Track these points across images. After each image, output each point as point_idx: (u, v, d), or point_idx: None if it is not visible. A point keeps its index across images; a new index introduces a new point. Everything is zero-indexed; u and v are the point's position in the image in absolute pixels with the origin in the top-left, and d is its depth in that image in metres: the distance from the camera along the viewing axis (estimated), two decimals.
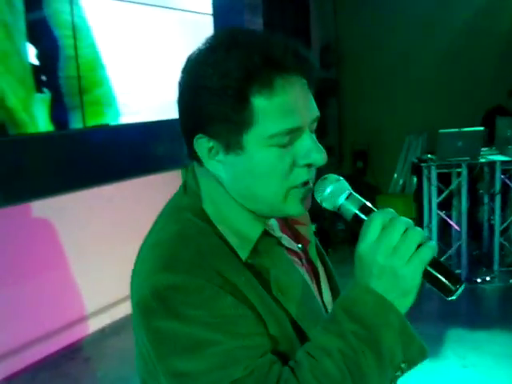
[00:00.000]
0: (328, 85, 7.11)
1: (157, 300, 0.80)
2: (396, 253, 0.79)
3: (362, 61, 7.17)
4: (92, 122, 3.85)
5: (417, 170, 5.49)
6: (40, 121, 3.44)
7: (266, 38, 0.85)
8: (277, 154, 0.84)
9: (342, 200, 0.87)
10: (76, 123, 3.72)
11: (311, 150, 0.86)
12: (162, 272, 0.81)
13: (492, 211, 4.92)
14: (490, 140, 5.06)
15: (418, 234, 0.79)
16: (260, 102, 0.82)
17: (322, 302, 1.00)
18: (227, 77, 0.81)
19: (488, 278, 4.71)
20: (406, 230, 0.79)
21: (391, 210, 0.82)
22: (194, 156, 0.90)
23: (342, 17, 7.43)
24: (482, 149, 4.76)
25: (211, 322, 0.79)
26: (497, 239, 4.79)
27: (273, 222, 0.97)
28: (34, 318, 3.73)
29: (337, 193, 0.87)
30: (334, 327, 0.81)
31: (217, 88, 0.82)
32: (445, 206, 4.94)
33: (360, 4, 7.09)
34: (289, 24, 6.52)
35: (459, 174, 4.76)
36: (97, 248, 4.19)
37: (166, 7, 4.48)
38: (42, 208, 3.77)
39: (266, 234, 0.91)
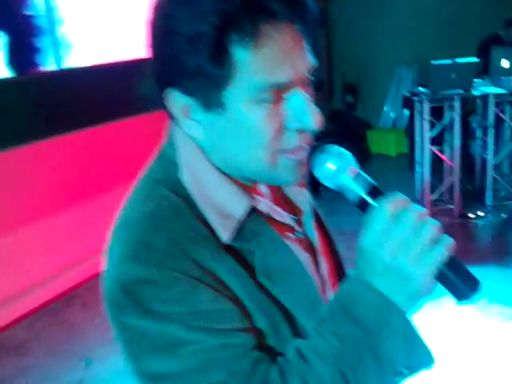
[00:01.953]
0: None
1: (125, 294, 0.71)
2: (406, 250, 0.68)
3: None
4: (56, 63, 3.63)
5: (408, 103, 5.38)
6: None
7: None
8: (263, 112, 0.72)
9: (345, 179, 0.75)
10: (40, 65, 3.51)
11: (303, 112, 0.73)
12: (130, 263, 0.72)
13: (485, 145, 4.84)
14: (484, 71, 4.92)
15: (433, 227, 0.69)
16: (242, 53, 0.69)
17: (319, 277, 0.89)
18: (202, 21, 0.68)
19: (481, 214, 4.70)
20: (419, 223, 0.69)
21: (402, 195, 0.71)
22: (169, 113, 0.78)
23: None
24: (476, 80, 4.64)
25: (187, 319, 0.70)
26: (490, 174, 4.75)
27: (263, 190, 0.85)
28: (29, 265, 3.71)
29: (340, 170, 0.75)
30: (331, 327, 0.72)
31: (190, 34, 0.69)
32: (437, 140, 4.85)
33: None
34: None
35: (452, 108, 4.65)
36: (91, 194, 4.12)
37: None
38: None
39: (253, 209, 0.79)
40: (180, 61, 0.71)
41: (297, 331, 0.78)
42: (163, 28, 0.72)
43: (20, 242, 3.67)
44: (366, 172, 0.77)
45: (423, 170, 4.78)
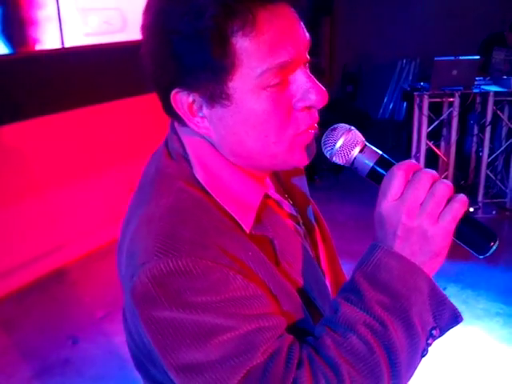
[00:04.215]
0: (321, 2, 6.80)
1: (157, 288, 0.70)
2: (424, 211, 0.70)
3: None
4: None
5: (408, 97, 5.39)
6: None
7: None
8: (270, 97, 0.73)
9: (355, 153, 0.77)
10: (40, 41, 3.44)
11: (308, 90, 0.75)
12: (160, 256, 0.70)
13: (481, 142, 4.88)
14: (484, 69, 4.94)
15: (446, 187, 0.71)
16: (242, 42, 0.70)
17: (320, 267, 0.92)
18: (202, 16, 0.68)
19: (471, 209, 4.73)
20: (432, 184, 0.71)
21: (412, 161, 0.74)
22: (172, 113, 0.78)
23: None
24: (476, 78, 4.66)
25: (221, 307, 0.70)
26: (483, 170, 4.79)
27: (268, 183, 0.88)
28: (20, 241, 3.73)
29: (349, 145, 0.77)
30: (357, 297, 0.73)
31: (190, 31, 0.69)
32: (433, 135, 4.88)
33: None
34: None
35: (451, 104, 4.68)
36: (84, 173, 4.13)
37: None
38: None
39: (264, 198, 0.82)
40: (182, 59, 0.72)
41: (314, 312, 0.81)
42: (160, 30, 0.72)
43: (12, 218, 3.67)
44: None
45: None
